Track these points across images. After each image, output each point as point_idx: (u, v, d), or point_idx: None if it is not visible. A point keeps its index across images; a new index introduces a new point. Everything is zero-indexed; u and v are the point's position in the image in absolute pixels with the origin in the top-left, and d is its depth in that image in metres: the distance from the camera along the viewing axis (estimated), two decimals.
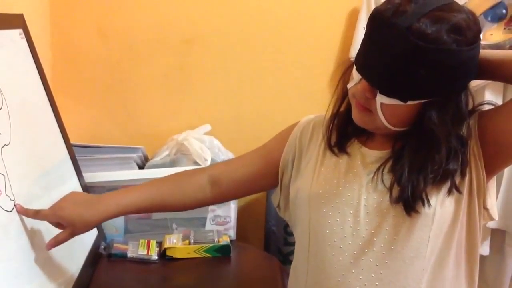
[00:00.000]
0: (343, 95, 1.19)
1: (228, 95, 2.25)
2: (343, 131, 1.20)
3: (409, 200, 1.05)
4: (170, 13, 2.15)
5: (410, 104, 1.04)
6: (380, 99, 1.05)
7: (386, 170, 1.11)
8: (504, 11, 1.69)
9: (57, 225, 1.26)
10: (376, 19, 1.04)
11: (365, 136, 1.18)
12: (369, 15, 1.06)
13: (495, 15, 1.69)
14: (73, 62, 2.15)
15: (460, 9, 1.02)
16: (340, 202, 1.13)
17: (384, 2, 1.05)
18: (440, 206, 1.07)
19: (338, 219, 1.12)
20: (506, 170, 1.79)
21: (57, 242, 1.25)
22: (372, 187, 1.11)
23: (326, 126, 1.22)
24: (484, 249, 1.82)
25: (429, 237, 1.07)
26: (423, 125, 1.06)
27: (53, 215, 1.24)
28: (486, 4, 1.60)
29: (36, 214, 1.25)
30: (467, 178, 1.09)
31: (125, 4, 2.13)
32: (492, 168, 1.12)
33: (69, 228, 1.23)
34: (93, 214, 1.25)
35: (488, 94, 1.76)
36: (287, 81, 2.25)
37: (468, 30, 1.00)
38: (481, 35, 1.71)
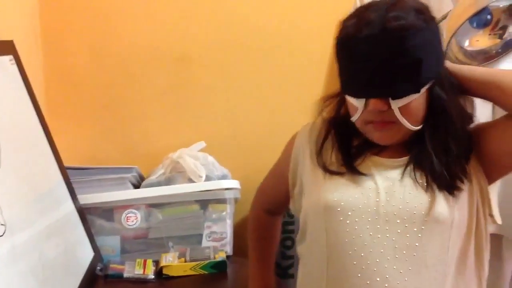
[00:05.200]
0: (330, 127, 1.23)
1: (223, 112, 2.25)
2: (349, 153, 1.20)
3: (450, 182, 1.09)
4: (163, 32, 2.17)
5: (422, 96, 1.08)
6: (396, 104, 1.07)
7: (410, 174, 1.13)
8: (489, 17, 1.68)
9: None
10: (349, 42, 1.08)
11: (377, 148, 1.18)
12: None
13: (480, 21, 1.69)
14: (67, 84, 2.16)
15: None
16: (357, 210, 1.12)
17: (342, 28, 1.10)
18: (458, 211, 1.09)
19: (356, 227, 1.11)
20: None
21: None
22: (389, 194, 1.12)
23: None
24: None
25: (449, 243, 1.08)
26: (433, 106, 1.11)
27: None
28: (471, 10, 1.60)
29: None
30: (474, 187, 1.13)
31: (117, 23, 2.15)
32: (489, 177, 1.15)
33: None
34: None
35: (479, 100, 1.76)
36: (282, 96, 2.25)
37: (426, 9, 1.09)
38: (467, 42, 1.73)
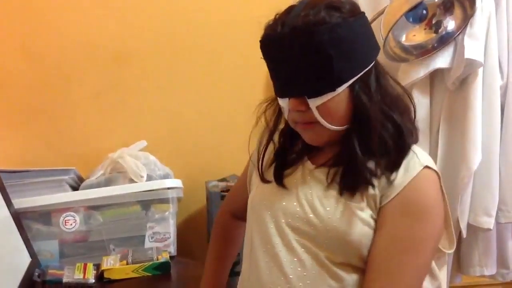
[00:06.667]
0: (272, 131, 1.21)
1: (163, 110, 2.22)
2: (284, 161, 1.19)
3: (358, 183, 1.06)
4: (98, 31, 2.12)
5: (342, 95, 1.04)
6: (313, 103, 1.05)
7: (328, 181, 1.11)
8: (424, 11, 1.72)
9: None
10: (266, 43, 1.08)
11: (316, 149, 1.17)
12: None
13: (416, 16, 1.72)
14: None
15: None
16: (277, 210, 1.13)
17: (264, 30, 1.10)
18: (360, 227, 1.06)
19: (272, 226, 1.12)
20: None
21: None
22: (307, 201, 1.11)
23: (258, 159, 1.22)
24: None
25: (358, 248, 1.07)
26: (357, 110, 1.06)
27: None
28: (407, 6, 1.62)
29: None
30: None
31: (51, 22, 2.08)
32: None
33: None
34: None
35: (416, 93, 1.79)
36: (220, 94, 2.24)
37: (343, 5, 1.04)
38: (404, 36, 1.76)
